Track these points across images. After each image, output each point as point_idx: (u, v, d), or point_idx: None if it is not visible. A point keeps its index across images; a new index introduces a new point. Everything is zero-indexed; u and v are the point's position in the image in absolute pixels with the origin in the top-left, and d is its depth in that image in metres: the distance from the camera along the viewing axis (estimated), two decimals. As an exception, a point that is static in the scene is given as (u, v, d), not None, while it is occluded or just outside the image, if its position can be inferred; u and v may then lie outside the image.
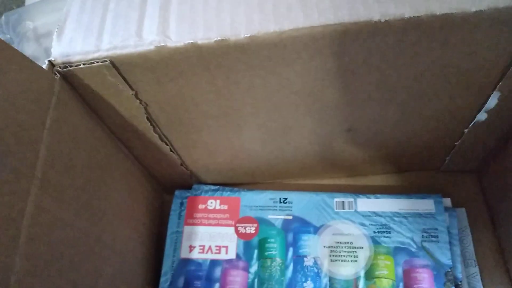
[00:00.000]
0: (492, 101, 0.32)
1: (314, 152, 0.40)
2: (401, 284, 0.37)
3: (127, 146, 0.38)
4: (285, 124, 0.36)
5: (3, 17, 0.56)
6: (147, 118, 0.33)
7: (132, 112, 0.33)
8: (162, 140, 0.37)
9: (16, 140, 0.24)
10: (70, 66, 0.28)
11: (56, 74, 0.28)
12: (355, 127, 0.36)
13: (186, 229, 0.42)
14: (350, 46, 0.27)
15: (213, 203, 0.43)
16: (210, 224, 0.42)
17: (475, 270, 0.38)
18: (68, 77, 0.29)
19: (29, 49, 0.58)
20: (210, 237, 0.41)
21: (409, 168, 0.45)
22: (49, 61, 0.28)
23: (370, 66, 0.29)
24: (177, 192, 0.44)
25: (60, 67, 0.28)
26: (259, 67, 0.29)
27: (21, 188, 0.24)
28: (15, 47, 0.56)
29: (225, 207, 0.43)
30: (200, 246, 0.41)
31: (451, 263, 0.37)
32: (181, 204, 0.43)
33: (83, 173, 0.30)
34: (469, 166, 0.43)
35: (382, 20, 0.25)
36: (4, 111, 0.23)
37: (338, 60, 0.28)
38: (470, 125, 0.36)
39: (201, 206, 0.43)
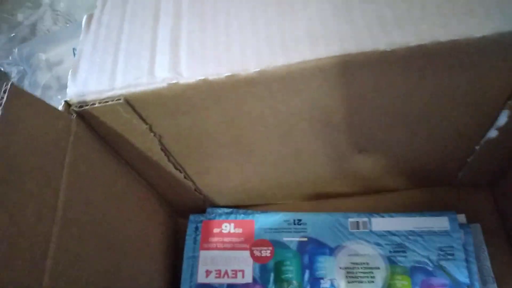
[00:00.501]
0: (502, 119, 0.33)
1: (326, 174, 0.41)
2: None
3: (142, 176, 0.38)
4: (296, 148, 0.36)
5: (16, 50, 0.57)
6: (161, 149, 0.34)
7: (147, 144, 0.33)
8: (176, 168, 0.37)
9: (37, 183, 0.24)
10: (86, 106, 0.29)
11: (72, 114, 0.29)
12: (366, 149, 0.37)
13: (202, 253, 0.43)
14: (357, 75, 0.27)
15: (227, 227, 0.43)
16: (225, 248, 0.42)
17: (493, 286, 0.38)
18: (84, 115, 0.30)
19: (42, 79, 0.60)
20: (226, 261, 0.42)
21: (422, 184, 0.45)
22: (65, 101, 0.29)
23: (378, 91, 0.29)
24: (191, 217, 0.45)
25: (76, 107, 0.29)
26: (269, 98, 0.29)
27: (44, 230, 0.24)
28: (29, 78, 0.57)
29: (240, 230, 0.43)
30: (216, 270, 0.42)
31: (468, 281, 0.37)
32: (196, 228, 0.44)
33: (100, 207, 0.31)
34: (482, 180, 0.43)
35: (388, 50, 0.25)
36: (25, 157, 0.24)
37: (346, 88, 0.28)
38: (482, 141, 0.36)
39: (216, 230, 0.43)
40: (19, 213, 0.22)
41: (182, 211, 0.47)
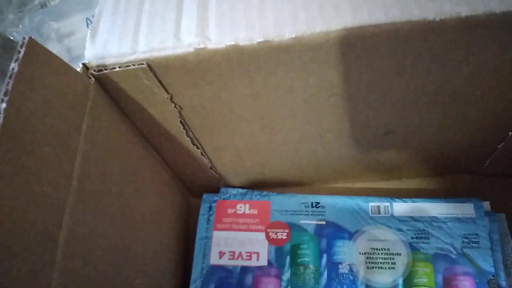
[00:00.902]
0: (543, 103, 0.31)
1: (349, 156, 0.39)
2: None
3: (157, 150, 0.37)
4: (322, 127, 0.34)
5: (26, 18, 0.55)
6: (180, 122, 0.32)
7: (166, 115, 0.32)
8: (193, 144, 0.36)
9: (53, 149, 0.22)
10: (105, 70, 0.27)
11: (90, 78, 0.27)
12: (395, 130, 0.35)
13: (215, 234, 0.41)
14: (400, 47, 0.25)
15: (242, 208, 0.42)
16: (240, 229, 0.41)
17: (518, 278, 0.37)
18: (103, 80, 0.28)
19: (52, 49, 0.57)
20: (240, 243, 0.40)
21: (445, 171, 0.43)
22: (83, 64, 0.27)
23: (418, 67, 0.27)
24: (205, 196, 0.43)
25: (94, 71, 0.27)
26: (301, 69, 0.27)
27: (59, 200, 0.23)
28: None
29: (255, 211, 0.41)
30: (230, 252, 0.40)
31: (493, 270, 0.36)
32: (210, 208, 0.42)
33: (117, 180, 0.29)
34: (509, 170, 0.41)
35: (437, 20, 0.24)
36: (42, 118, 0.22)
37: (385, 62, 0.27)
38: (516, 127, 0.34)
39: (230, 211, 0.42)
40: (33, 180, 0.21)
41: (196, 190, 0.45)
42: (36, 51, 0.21)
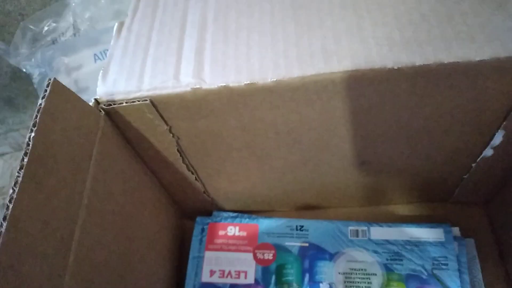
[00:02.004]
0: (497, 139, 0.35)
1: (330, 183, 0.43)
2: None
3: (156, 176, 0.41)
4: (303, 156, 0.38)
5: (39, 53, 0.60)
6: (178, 150, 0.36)
7: (165, 145, 0.36)
8: (189, 170, 0.40)
9: (70, 171, 0.27)
10: (114, 104, 0.31)
11: (101, 111, 0.31)
12: (369, 161, 0.39)
13: (207, 254, 0.44)
14: (365, 89, 0.30)
15: (232, 230, 0.45)
16: (229, 250, 0.44)
17: (484, 299, 0.40)
18: (111, 113, 0.32)
19: (62, 82, 0.63)
20: (230, 262, 0.44)
21: (419, 199, 0.47)
22: (95, 99, 0.31)
23: (384, 106, 0.32)
24: (198, 219, 0.47)
25: (104, 105, 0.31)
26: (283, 107, 0.32)
27: (72, 214, 0.26)
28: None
29: (244, 233, 0.45)
30: (220, 270, 0.43)
31: None
32: (202, 230, 0.46)
33: (119, 199, 0.33)
34: (477, 198, 0.45)
35: (395, 68, 0.28)
36: (61, 145, 0.26)
37: (354, 101, 0.31)
38: (478, 159, 0.38)
39: (221, 232, 0.45)
40: (53, 196, 0.25)
41: (190, 213, 0.49)
42: (59, 90, 0.26)
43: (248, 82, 0.30)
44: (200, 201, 0.46)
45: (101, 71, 0.33)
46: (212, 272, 0.43)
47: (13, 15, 0.79)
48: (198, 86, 0.30)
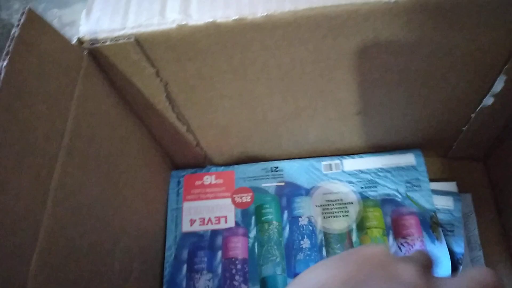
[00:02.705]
0: (499, 85, 0.34)
1: (324, 135, 0.42)
2: (390, 232, 0.40)
3: (145, 125, 0.39)
4: (297, 106, 0.37)
5: (31, 5, 0.58)
6: (166, 97, 0.35)
7: (153, 90, 0.34)
8: (179, 120, 0.38)
9: (47, 107, 0.25)
10: (97, 43, 0.30)
11: (83, 50, 0.30)
12: (365, 110, 0.38)
13: (186, 204, 0.45)
14: (361, 26, 0.28)
15: (208, 179, 0.46)
16: (207, 198, 0.45)
17: (479, 253, 0.39)
18: (95, 53, 0.30)
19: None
20: (209, 210, 0.44)
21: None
22: (78, 38, 0.30)
23: (380, 46, 0.30)
24: (173, 173, 0.47)
25: (88, 44, 0.30)
26: (274, 47, 0.30)
27: (50, 152, 0.25)
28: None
29: (221, 181, 0.45)
30: (200, 218, 0.44)
31: (434, 208, 0.40)
32: (178, 182, 0.46)
33: (105, 145, 0.32)
34: (475, 153, 0.44)
35: (392, 0, 0.26)
36: (36, 79, 0.25)
37: (350, 40, 0.29)
38: (477, 109, 0.37)
39: (197, 183, 0.46)
40: (28, 131, 0.23)
41: (182, 166, 0.48)
42: (34, 20, 0.24)
43: (236, 17, 0.28)
44: (193, 154, 0.45)
45: (85, 9, 0.31)
46: (192, 221, 0.43)
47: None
48: (184, 23, 0.29)
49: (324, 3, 0.27)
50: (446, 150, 0.45)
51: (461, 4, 0.26)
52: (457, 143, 0.42)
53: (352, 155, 0.44)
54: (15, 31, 0.23)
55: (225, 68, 0.32)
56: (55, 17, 0.59)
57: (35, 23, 0.25)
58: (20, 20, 0.24)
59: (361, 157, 0.44)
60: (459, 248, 0.39)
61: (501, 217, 0.42)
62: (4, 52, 0.23)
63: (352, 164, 0.44)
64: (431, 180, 0.42)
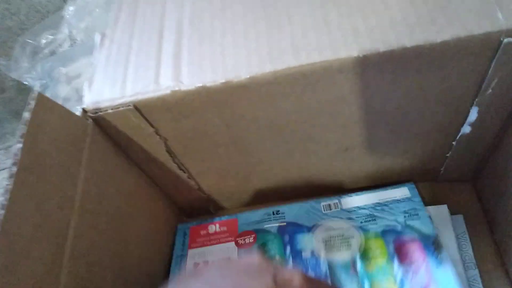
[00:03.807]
0: (473, 115, 0.36)
1: (319, 171, 0.44)
2: (395, 259, 0.41)
3: (150, 176, 0.42)
4: (288, 148, 0.40)
5: (39, 65, 0.63)
6: (167, 151, 0.38)
7: (154, 146, 0.37)
8: (180, 169, 0.41)
9: (59, 177, 0.28)
10: (100, 112, 0.33)
11: (88, 119, 0.33)
12: (352, 146, 0.40)
13: (190, 252, 0.46)
14: (336, 78, 0.31)
15: (213, 227, 0.48)
16: (212, 244, 0.47)
17: (475, 272, 0.41)
18: (99, 120, 0.34)
19: (62, 91, 0.65)
20: (213, 253, 0.46)
21: (408, 180, 0.48)
22: (83, 108, 0.33)
23: (356, 94, 0.33)
24: (179, 226, 0.49)
25: (91, 113, 0.33)
26: (260, 102, 0.33)
27: (64, 218, 0.28)
28: (50, 90, 0.63)
29: (225, 228, 0.47)
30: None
31: (435, 233, 0.41)
32: (184, 234, 0.48)
33: (113, 201, 0.35)
34: (464, 175, 0.46)
35: (361, 56, 0.29)
36: (49, 154, 0.28)
37: (326, 91, 0.32)
38: (457, 137, 0.39)
39: (202, 232, 0.48)
40: (44, 202, 0.26)
41: (189, 211, 0.51)
42: (43, 102, 0.28)
43: (223, 80, 0.31)
44: (196, 198, 0.48)
45: (86, 82, 0.35)
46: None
47: (14, 30, 0.82)
48: (177, 88, 0.32)
49: (300, 63, 0.30)
50: (435, 175, 0.47)
51: (424, 51, 0.29)
52: (444, 168, 0.45)
53: (349, 194, 0.46)
54: (26, 115, 0.26)
55: (218, 122, 0.35)
56: (61, 74, 0.63)
57: (44, 105, 0.28)
58: (29, 104, 0.27)
59: (358, 194, 0.46)
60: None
61: (493, 235, 0.43)
62: (19, 135, 0.26)
63: (350, 202, 0.46)
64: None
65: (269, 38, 0.32)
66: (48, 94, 0.63)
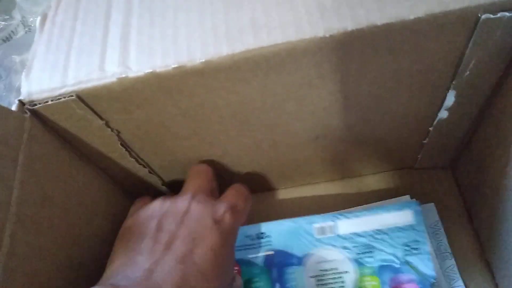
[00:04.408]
0: (450, 99, 0.34)
1: (289, 161, 0.42)
2: None
3: (107, 173, 0.39)
4: (255, 137, 0.37)
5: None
6: (121, 145, 0.35)
7: (106, 140, 0.34)
8: (139, 164, 0.38)
9: (-13, 181, 0.25)
10: (39, 104, 0.29)
11: (26, 113, 0.29)
12: (323, 134, 0.37)
13: None
14: (300, 62, 0.28)
15: None
16: None
17: (451, 262, 0.39)
18: (38, 114, 0.30)
19: (17, 81, 0.60)
20: None
21: (385, 168, 0.46)
22: (19, 100, 0.29)
23: (324, 77, 0.30)
24: None
25: (29, 105, 0.29)
26: (220, 88, 0.30)
27: (-3, 225, 0.25)
28: (4, 80, 0.57)
29: None
30: None
31: (434, 274, 0.37)
32: None
33: (59, 202, 0.31)
34: (442, 161, 0.44)
35: (327, 35, 0.26)
36: (-27, 154, 0.24)
37: (292, 76, 0.29)
38: (434, 123, 0.37)
39: None
40: (-32, 209, 0.23)
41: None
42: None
43: (175, 65, 0.28)
44: (161, 193, 0.44)
45: (24, 70, 0.31)
46: None
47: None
48: (124, 75, 0.28)
49: (261, 44, 0.27)
50: (412, 162, 0.45)
51: (395, 31, 0.26)
52: (421, 155, 0.43)
53: (347, 215, 0.41)
54: None
55: (175, 112, 0.32)
56: (14, 63, 0.58)
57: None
58: None
59: (357, 216, 0.40)
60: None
61: (472, 224, 0.42)
62: None
63: (347, 226, 0.40)
64: (401, 193, 0.42)
65: (227, 15, 0.29)
66: (1, 85, 0.58)
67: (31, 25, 0.69)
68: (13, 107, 0.29)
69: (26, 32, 0.69)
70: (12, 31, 0.67)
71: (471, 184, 0.42)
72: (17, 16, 0.67)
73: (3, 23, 0.67)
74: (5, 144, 0.27)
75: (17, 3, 0.67)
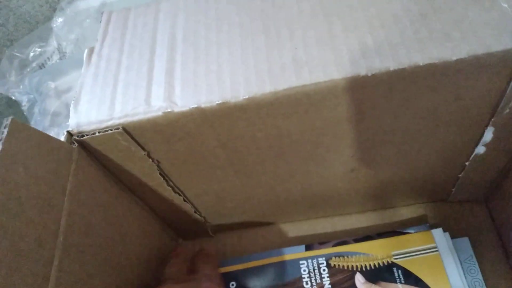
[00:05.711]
0: (488, 136, 0.34)
1: (322, 192, 0.42)
2: None
3: (143, 200, 0.40)
4: (291, 169, 0.37)
5: (26, 79, 0.60)
6: (160, 174, 0.36)
7: (146, 170, 0.35)
8: (175, 192, 0.39)
9: (39, 210, 0.26)
10: (86, 135, 0.30)
11: (73, 143, 0.31)
12: (358, 167, 0.38)
13: None
14: (341, 99, 0.29)
15: None
16: None
17: (487, 299, 0.39)
18: (85, 144, 0.31)
19: (51, 106, 0.62)
20: None
21: (418, 201, 0.46)
22: (67, 131, 0.31)
23: (364, 114, 0.30)
24: None
25: (77, 137, 0.30)
26: (260, 123, 0.31)
27: (45, 255, 0.26)
28: (39, 105, 0.60)
29: None
30: None
31: None
32: None
33: (101, 231, 0.32)
34: (476, 195, 0.44)
35: (369, 75, 0.27)
36: (25, 186, 0.25)
37: (332, 112, 0.30)
38: (471, 157, 0.37)
39: None
40: (19, 240, 0.24)
41: (185, 233, 0.48)
42: (18, 130, 0.25)
43: (220, 101, 0.29)
44: (193, 221, 0.45)
45: (72, 101, 0.32)
46: None
47: (1, 41, 0.79)
48: (169, 110, 0.29)
49: (303, 82, 0.28)
50: (445, 195, 0.44)
51: (437, 71, 0.27)
52: (455, 188, 0.42)
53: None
54: None
55: (214, 144, 0.33)
56: (50, 89, 0.60)
57: (19, 132, 0.25)
58: (2, 133, 0.24)
59: None
60: None
61: (508, 259, 0.41)
62: (-8, 167, 0.23)
63: None
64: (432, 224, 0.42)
65: (269, 53, 0.30)
66: (36, 110, 0.60)
67: (65, 52, 0.71)
68: (62, 138, 0.30)
69: (60, 58, 0.71)
70: (48, 58, 0.69)
71: (506, 218, 0.41)
72: (53, 43, 0.70)
73: (39, 49, 0.70)
74: (56, 174, 0.28)
75: (54, 30, 0.69)
